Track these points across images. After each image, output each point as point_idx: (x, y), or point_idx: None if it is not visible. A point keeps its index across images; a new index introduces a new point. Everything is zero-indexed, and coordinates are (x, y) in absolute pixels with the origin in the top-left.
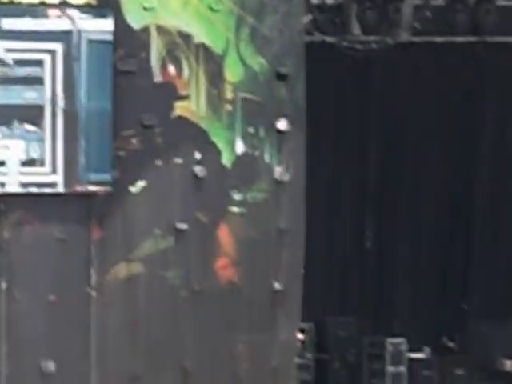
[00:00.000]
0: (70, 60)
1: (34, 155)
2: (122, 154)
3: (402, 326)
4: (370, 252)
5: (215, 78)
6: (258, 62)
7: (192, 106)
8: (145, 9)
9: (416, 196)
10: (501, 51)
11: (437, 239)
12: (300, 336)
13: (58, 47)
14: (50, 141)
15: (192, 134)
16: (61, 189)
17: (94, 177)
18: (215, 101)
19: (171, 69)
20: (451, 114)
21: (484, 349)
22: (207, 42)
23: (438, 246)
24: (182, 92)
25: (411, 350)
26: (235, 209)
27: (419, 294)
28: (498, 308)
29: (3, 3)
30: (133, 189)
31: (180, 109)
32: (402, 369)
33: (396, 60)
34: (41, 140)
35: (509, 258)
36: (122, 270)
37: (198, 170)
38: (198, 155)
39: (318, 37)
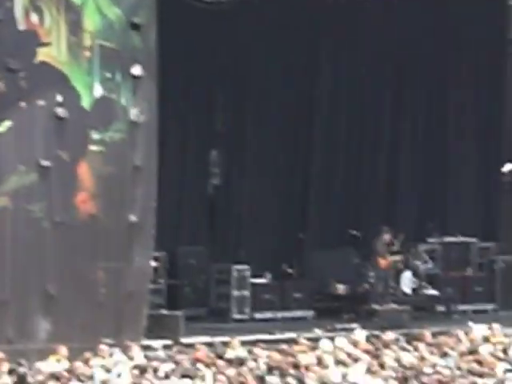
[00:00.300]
0: None
1: None
2: None
3: (246, 255)
4: (218, 187)
5: (75, 27)
6: (113, 12)
7: (53, 53)
8: None
9: (261, 135)
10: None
11: (279, 176)
12: (153, 264)
13: None
14: None
15: (54, 79)
16: None
17: None
18: (75, 48)
19: (34, 18)
20: (291, 63)
21: (319, 275)
22: None
23: (280, 183)
24: (45, 39)
25: (254, 276)
26: (94, 147)
27: (262, 226)
28: (332, 239)
29: None
30: None
31: (42, 55)
32: (246, 293)
33: (239, 12)
34: None
35: (341, 195)
36: None
37: (60, 111)
38: (59, 98)
39: None
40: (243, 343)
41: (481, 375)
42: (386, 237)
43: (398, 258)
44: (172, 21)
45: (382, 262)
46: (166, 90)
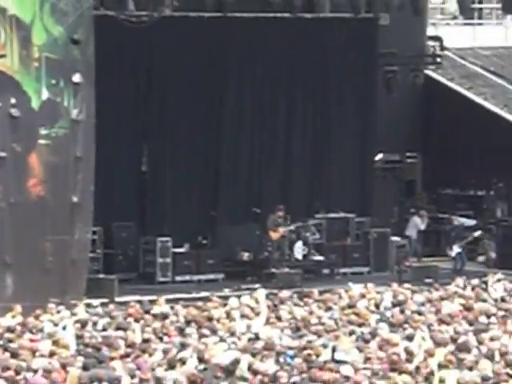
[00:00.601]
0: None
1: None
2: None
3: (168, 229)
4: (146, 173)
5: (25, 42)
6: (57, 30)
7: (8, 63)
8: None
9: (181, 127)
10: (240, 26)
11: (195, 163)
12: (92, 236)
13: None
14: None
15: (8, 84)
16: None
17: None
18: (25, 59)
19: None
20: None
21: (228, 245)
22: (18, 14)
23: (196, 169)
24: (0, 52)
25: (175, 246)
26: (42, 141)
27: (181, 205)
28: (238, 215)
29: None
30: None
31: None
32: (168, 260)
33: (161, 29)
34: None
35: (246, 178)
36: None
37: (14, 111)
38: (13, 100)
39: (102, 11)
40: (167, 301)
41: (358, 325)
42: (280, 213)
43: (288, 231)
44: (107, 36)
45: (273, 235)
46: (102, 93)
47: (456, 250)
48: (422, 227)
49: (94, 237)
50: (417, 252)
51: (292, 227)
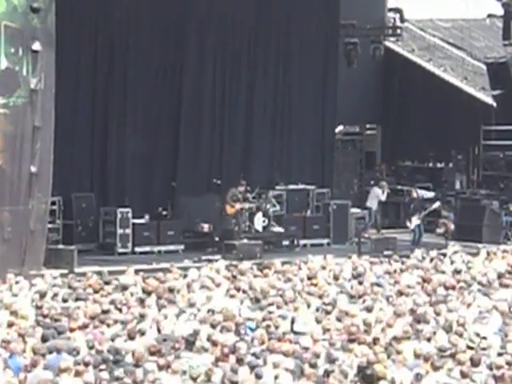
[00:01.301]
0: None
1: None
2: None
3: (128, 200)
4: (106, 144)
5: None
6: None
7: None
8: None
9: (139, 98)
10: None
11: (155, 135)
12: (51, 206)
13: None
14: None
15: None
16: None
17: None
18: None
19: None
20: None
21: (188, 216)
22: None
23: (156, 141)
24: None
25: (135, 217)
26: (1, 110)
27: (141, 176)
28: (198, 186)
29: None
30: None
31: None
32: (128, 231)
33: None
34: None
35: (206, 149)
36: None
37: None
38: None
39: None
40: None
41: (319, 296)
42: (241, 188)
43: (246, 205)
44: (67, 4)
45: (229, 209)
46: (61, 63)
47: (415, 222)
48: (383, 198)
49: (53, 207)
50: (377, 223)
51: (250, 205)
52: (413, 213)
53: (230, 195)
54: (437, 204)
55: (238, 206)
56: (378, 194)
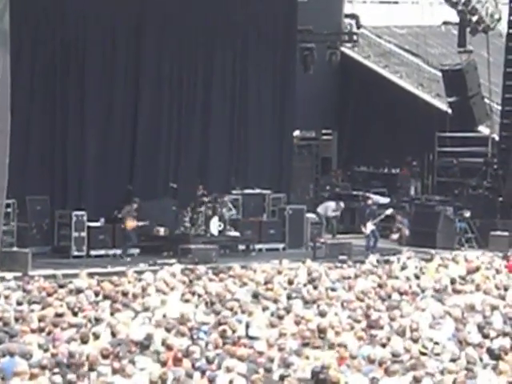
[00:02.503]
0: None
1: None
2: None
3: (84, 203)
4: (62, 147)
5: None
6: None
7: None
8: None
9: (99, 99)
10: None
11: (112, 139)
12: (5, 209)
13: None
14: None
15: None
16: None
17: None
18: None
19: None
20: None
21: (144, 219)
22: None
23: (112, 145)
24: None
25: (90, 220)
26: None
27: (98, 178)
28: (154, 190)
29: None
30: None
31: None
32: (83, 234)
33: None
34: None
35: (163, 153)
36: None
37: None
38: None
39: None
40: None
41: (274, 301)
42: (135, 205)
43: (142, 223)
44: (22, 4)
45: (129, 225)
46: (16, 63)
47: (369, 227)
48: (330, 214)
49: (8, 210)
50: (332, 228)
51: (146, 223)
52: (367, 218)
53: (127, 212)
54: (390, 210)
55: (135, 222)
56: (330, 208)
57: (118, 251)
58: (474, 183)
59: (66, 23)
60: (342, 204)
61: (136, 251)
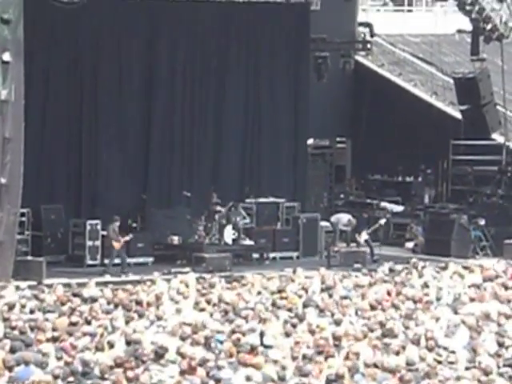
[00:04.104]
0: None
1: None
2: None
3: (99, 211)
4: (77, 156)
5: None
6: None
7: None
8: None
9: (115, 113)
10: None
11: (127, 149)
12: (20, 218)
13: None
14: None
15: None
16: None
17: None
18: None
19: None
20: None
21: (158, 228)
22: None
23: (127, 154)
24: None
25: (104, 229)
26: None
27: (112, 187)
28: (168, 199)
29: None
30: None
31: None
32: (98, 243)
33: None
34: None
35: (177, 162)
36: None
37: None
38: None
39: None
40: (96, 284)
41: (288, 309)
42: (117, 223)
43: (127, 238)
44: (37, 16)
45: (116, 245)
46: (30, 74)
47: (364, 236)
48: (342, 227)
49: (23, 218)
50: (346, 236)
51: (128, 238)
52: (363, 228)
53: (111, 231)
54: (383, 220)
55: (121, 239)
56: (341, 222)
57: (133, 260)
58: (488, 191)
59: (80, 35)
60: (353, 221)
61: (150, 260)
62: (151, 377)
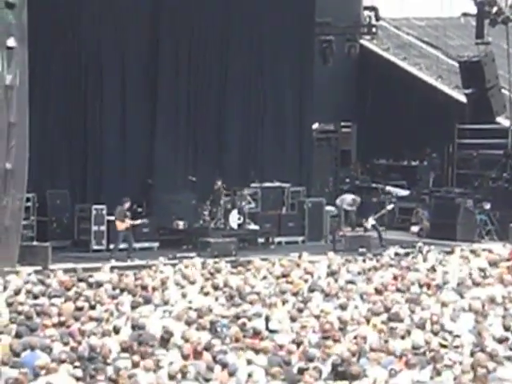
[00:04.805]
0: None
1: None
2: None
3: (104, 197)
4: (81, 141)
5: None
6: None
7: None
8: None
9: (118, 98)
10: None
11: (130, 134)
12: (26, 203)
13: None
14: None
15: None
16: None
17: None
18: None
19: None
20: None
21: (163, 213)
22: None
23: (131, 139)
24: None
25: (109, 214)
26: None
27: (117, 173)
28: (174, 184)
29: None
30: None
31: None
32: (103, 228)
33: None
34: None
35: (182, 147)
36: None
37: None
38: None
39: None
40: (100, 269)
41: (293, 294)
42: (127, 205)
43: (137, 222)
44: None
45: (119, 225)
46: (34, 59)
47: (371, 222)
48: (346, 207)
49: (28, 204)
50: (352, 221)
51: (139, 221)
52: (369, 213)
53: (118, 213)
54: (391, 206)
55: (127, 222)
56: (346, 201)
57: (138, 245)
58: (493, 175)
59: (83, 19)
60: (358, 199)
61: (155, 245)
62: (158, 361)
